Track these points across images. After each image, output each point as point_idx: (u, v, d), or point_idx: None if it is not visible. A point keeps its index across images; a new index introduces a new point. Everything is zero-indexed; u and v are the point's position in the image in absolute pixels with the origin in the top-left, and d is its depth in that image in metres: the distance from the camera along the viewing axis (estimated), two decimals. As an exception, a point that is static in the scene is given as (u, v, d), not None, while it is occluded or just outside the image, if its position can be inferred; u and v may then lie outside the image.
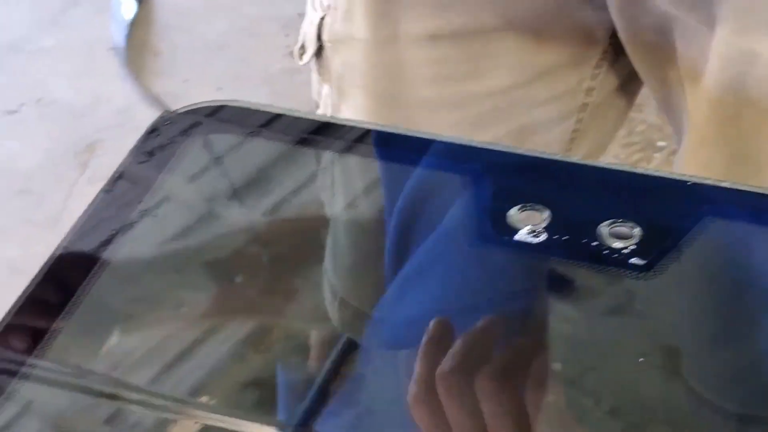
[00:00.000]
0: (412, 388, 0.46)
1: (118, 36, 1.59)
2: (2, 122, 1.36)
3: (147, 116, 1.44)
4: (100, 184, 0.66)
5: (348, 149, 0.60)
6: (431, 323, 0.47)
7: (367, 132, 0.60)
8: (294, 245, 0.62)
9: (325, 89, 0.75)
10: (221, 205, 0.62)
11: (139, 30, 1.61)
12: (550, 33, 0.71)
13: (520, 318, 0.55)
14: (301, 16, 0.79)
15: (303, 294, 0.59)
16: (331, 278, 0.56)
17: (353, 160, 0.62)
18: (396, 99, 0.73)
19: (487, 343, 0.48)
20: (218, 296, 0.58)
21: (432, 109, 0.73)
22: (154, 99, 1.38)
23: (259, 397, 0.52)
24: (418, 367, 0.46)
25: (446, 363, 0.45)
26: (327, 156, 0.62)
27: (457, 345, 0.46)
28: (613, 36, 0.70)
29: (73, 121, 1.37)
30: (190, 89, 1.48)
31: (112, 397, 0.49)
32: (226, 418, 0.49)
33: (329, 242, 0.59)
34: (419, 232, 0.59)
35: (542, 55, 0.72)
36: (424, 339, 0.46)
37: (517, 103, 0.72)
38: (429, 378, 0.46)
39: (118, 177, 0.59)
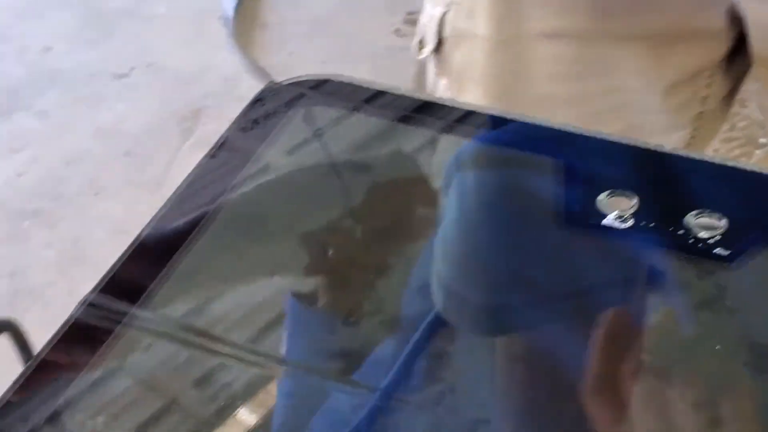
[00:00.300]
0: (593, 382, 0.46)
1: (228, 7, 1.60)
2: (113, 85, 1.38)
3: (251, 87, 1.46)
4: (203, 150, 0.67)
5: (449, 129, 0.60)
6: (609, 314, 0.46)
7: (468, 113, 0.60)
8: (389, 222, 0.62)
9: (443, 83, 0.75)
10: (319, 178, 0.63)
11: (248, 2, 1.62)
12: (674, 47, 0.71)
13: (621, 306, 0.55)
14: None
15: (394, 270, 0.59)
16: (438, 264, 0.56)
17: (454, 141, 0.62)
18: (514, 95, 0.73)
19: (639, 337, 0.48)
20: (311, 266, 0.58)
21: (549, 105, 0.73)
22: (259, 70, 1.39)
23: (347, 365, 0.53)
24: (597, 360, 0.45)
25: (632, 360, 0.46)
26: (435, 137, 0.62)
27: (635, 341, 0.47)
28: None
29: (180, 88, 1.39)
30: (295, 63, 1.49)
31: (208, 351, 0.51)
32: (316, 378, 0.50)
33: (440, 229, 0.58)
34: (515, 216, 0.59)
35: (664, 69, 0.71)
36: (603, 330, 0.46)
37: (636, 105, 0.71)
38: (609, 371, 0.45)
39: (222, 144, 0.60)
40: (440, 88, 0.76)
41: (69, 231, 1.27)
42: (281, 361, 0.52)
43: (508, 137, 0.60)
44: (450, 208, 0.59)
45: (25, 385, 0.51)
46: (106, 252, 1.19)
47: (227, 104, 1.33)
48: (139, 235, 0.53)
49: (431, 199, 0.62)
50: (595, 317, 0.51)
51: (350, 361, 0.53)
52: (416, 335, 0.54)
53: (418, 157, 0.64)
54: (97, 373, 0.50)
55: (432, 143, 0.63)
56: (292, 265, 0.60)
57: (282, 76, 0.64)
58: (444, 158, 0.63)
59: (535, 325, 0.53)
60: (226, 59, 1.44)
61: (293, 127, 0.61)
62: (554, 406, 0.50)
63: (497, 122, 0.61)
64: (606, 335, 0.46)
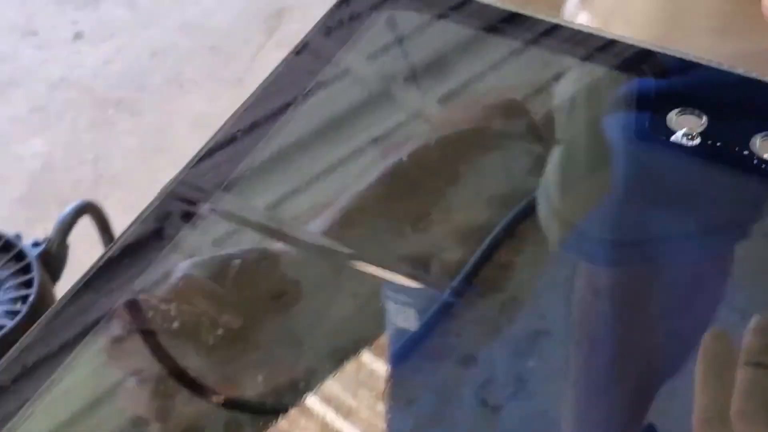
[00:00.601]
0: (703, 418, 0.43)
1: None
2: (201, -20, 1.39)
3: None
4: (286, 49, 0.67)
5: (536, 42, 0.60)
6: (707, 337, 0.43)
7: (554, 26, 0.60)
8: (465, 135, 0.62)
9: (583, 16, 0.73)
10: (398, 84, 0.63)
11: None
12: None
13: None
14: None
15: (466, 181, 0.59)
16: (549, 188, 0.56)
17: (542, 55, 0.62)
18: (667, 43, 0.71)
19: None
20: (384, 174, 0.59)
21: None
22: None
23: (411, 270, 0.54)
24: (704, 396, 0.42)
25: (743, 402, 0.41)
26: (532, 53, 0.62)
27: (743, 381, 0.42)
28: None
29: (266, -14, 1.39)
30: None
31: (281, 237, 0.52)
32: (388, 273, 0.52)
33: (556, 157, 0.58)
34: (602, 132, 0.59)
35: None
36: (703, 356, 0.42)
37: None
38: (718, 406, 0.42)
39: (305, 44, 0.60)
40: (578, 20, 0.74)
41: (152, 121, 1.29)
42: (353, 257, 0.53)
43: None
44: (568, 140, 0.58)
45: (106, 266, 0.53)
46: (187, 143, 1.21)
47: (312, 5, 1.33)
48: (222, 126, 0.54)
49: (511, 113, 0.61)
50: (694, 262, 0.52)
51: (417, 265, 0.54)
52: (485, 243, 0.55)
53: (506, 72, 0.64)
54: (173, 258, 0.52)
55: (528, 60, 0.63)
56: (367, 169, 0.61)
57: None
58: (565, 86, 0.63)
59: (650, 260, 0.54)
60: (314, -40, 1.44)
61: (376, 31, 0.61)
62: (629, 346, 0.51)
63: (584, 38, 0.61)
64: (708, 363, 0.43)
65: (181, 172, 0.55)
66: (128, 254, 0.53)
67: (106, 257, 0.54)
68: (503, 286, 0.55)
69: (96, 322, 0.49)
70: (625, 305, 0.54)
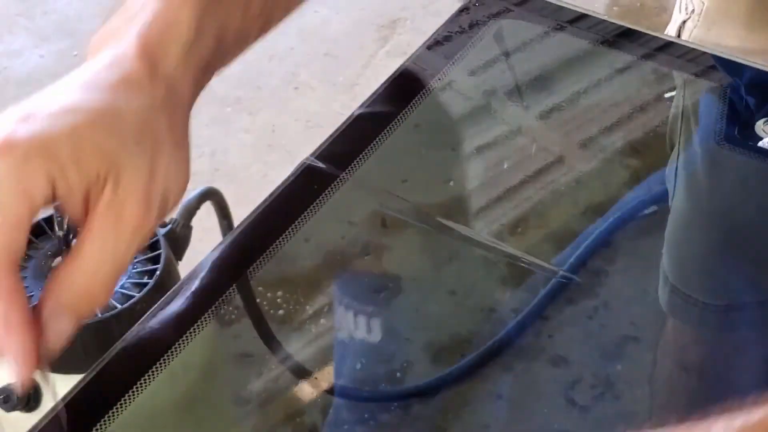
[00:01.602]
0: None
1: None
2: (320, -9, 1.41)
3: (448, 3, 1.43)
4: (396, 58, 0.67)
5: (648, 57, 0.61)
6: None
7: (651, 38, 0.61)
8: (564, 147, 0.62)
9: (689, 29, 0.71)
10: (505, 93, 0.64)
11: None
12: None
13: None
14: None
15: (563, 192, 0.60)
16: (665, 264, 0.55)
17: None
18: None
19: None
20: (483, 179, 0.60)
21: None
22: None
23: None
24: None
25: None
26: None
27: None
28: None
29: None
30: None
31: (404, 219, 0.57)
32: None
33: (667, 230, 0.58)
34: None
35: None
36: None
37: None
38: None
39: (419, 53, 0.62)
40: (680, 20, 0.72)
41: (267, 119, 1.31)
42: (481, 245, 0.56)
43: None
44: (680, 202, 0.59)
45: (233, 243, 0.54)
46: (299, 142, 1.22)
47: (423, 18, 1.33)
48: (351, 115, 0.58)
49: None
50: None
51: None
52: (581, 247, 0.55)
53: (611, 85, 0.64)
54: (293, 242, 0.53)
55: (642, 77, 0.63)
56: (471, 172, 0.62)
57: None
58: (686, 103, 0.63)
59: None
60: (427, -26, 1.44)
61: (493, 38, 0.62)
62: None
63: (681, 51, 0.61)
64: None
65: (313, 153, 0.57)
66: (249, 239, 0.55)
67: (230, 238, 0.55)
68: (596, 293, 0.54)
69: (214, 300, 0.50)
70: (717, 379, 0.54)
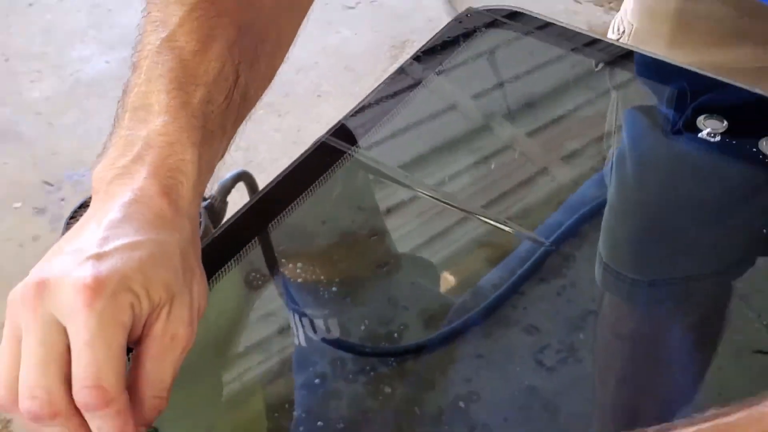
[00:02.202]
0: None
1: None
2: (342, 15, 1.40)
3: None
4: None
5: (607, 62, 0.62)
6: None
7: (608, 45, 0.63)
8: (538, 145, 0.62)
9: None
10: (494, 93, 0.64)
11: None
12: None
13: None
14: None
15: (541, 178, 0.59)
16: (600, 246, 0.55)
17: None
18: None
19: None
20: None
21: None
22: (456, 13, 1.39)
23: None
24: None
25: None
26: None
27: None
28: None
29: (393, 22, 1.39)
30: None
31: (407, 187, 0.57)
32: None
33: (603, 218, 0.57)
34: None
35: None
36: None
37: None
38: None
39: (416, 57, 0.62)
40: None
41: (293, 121, 1.31)
42: (468, 211, 0.56)
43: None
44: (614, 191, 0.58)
45: (258, 202, 0.54)
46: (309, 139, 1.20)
47: (428, 38, 1.33)
48: (365, 97, 0.61)
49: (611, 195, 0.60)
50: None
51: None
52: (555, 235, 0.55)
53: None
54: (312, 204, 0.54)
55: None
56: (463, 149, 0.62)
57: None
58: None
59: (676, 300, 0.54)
60: (431, 3, 1.44)
61: (484, 40, 0.63)
62: (645, 380, 0.50)
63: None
64: None
65: (327, 132, 0.57)
66: (271, 203, 0.54)
67: (255, 198, 0.55)
68: (564, 274, 0.54)
69: (239, 249, 0.50)
70: (645, 346, 0.53)
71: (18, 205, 1.07)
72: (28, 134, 1.16)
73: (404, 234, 0.58)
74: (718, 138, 0.54)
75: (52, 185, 1.09)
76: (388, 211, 0.58)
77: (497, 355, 0.50)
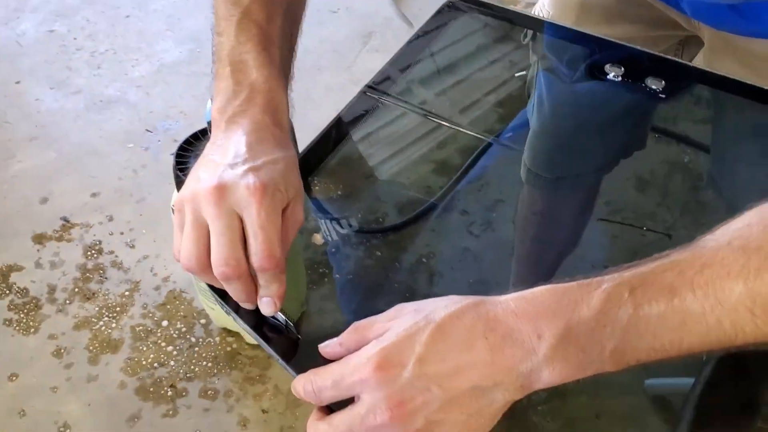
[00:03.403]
0: None
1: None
2: (329, 16, 1.36)
3: (398, 25, 1.40)
4: (373, 53, 0.62)
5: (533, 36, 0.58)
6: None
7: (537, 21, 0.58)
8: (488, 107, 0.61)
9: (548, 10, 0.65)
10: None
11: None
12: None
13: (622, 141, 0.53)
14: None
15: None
16: (524, 155, 0.53)
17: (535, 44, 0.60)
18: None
19: None
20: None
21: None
22: (402, 16, 1.35)
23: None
24: None
25: None
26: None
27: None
28: None
29: (361, 20, 1.36)
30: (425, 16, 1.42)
31: (434, 121, 0.54)
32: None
33: (528, 136, 0.54)
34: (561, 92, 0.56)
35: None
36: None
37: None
38: None
39: (407, 43, 0.60)
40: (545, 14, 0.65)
41: (300, 91, 1.27)
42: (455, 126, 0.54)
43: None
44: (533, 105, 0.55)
45: (305, 151, 0.52)
46: (323, 109, 1.18)
47: (385, 31, 1.30)
48: (398, 50, 0.56)
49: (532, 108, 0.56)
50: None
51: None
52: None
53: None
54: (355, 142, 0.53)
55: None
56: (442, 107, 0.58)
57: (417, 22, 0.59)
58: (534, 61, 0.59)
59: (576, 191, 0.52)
60: (386, 8, 1.39)
61: (461, 24, 0.59)
62: (550, 245, 0.50)
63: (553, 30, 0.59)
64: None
65: (367, 84, 0.56)
66: (316, 148, 0.52)
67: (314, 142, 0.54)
68: (483, 177, 0.54)
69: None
70: (550, 218, 0.52)
71: (131, 145, 1.08)
72: (133, 100, 1.16)
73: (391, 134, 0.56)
74: (620, 78, 0.51)
75: (151, 132, 1.10)
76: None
77: (444, 228, 0.50)
